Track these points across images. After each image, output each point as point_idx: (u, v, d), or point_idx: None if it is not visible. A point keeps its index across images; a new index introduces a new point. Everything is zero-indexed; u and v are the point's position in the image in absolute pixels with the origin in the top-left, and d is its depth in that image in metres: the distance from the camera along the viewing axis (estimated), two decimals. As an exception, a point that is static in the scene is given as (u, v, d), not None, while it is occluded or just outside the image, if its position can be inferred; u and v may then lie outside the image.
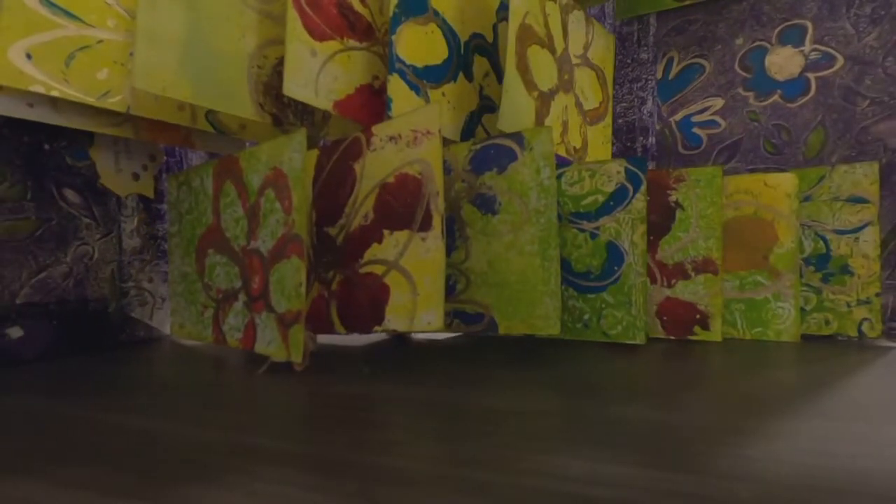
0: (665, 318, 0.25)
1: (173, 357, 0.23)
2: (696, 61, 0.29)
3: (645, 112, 0.30)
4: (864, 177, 0.25)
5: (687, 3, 0.28)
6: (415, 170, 0.19)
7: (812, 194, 0.26)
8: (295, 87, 0.19)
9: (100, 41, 0.20)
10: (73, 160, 0.22)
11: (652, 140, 0.30)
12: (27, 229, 0.20)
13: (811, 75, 0.26)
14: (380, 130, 0.21)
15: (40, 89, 0.19)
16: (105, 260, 0.23)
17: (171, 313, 0.26)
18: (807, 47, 0.26)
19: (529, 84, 0.23)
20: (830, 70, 0.25)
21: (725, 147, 0.28)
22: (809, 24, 0.26)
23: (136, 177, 0.25)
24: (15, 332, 0.20)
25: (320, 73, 0.20)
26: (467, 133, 0.24)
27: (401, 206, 0.19)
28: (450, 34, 0.23)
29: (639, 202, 0.23)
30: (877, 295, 0.24)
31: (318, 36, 0.20)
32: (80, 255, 0.22)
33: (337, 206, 0.22)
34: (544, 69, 0.24)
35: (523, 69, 0.22)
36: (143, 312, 0.25)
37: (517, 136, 0.21)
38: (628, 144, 0.30)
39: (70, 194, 0.22)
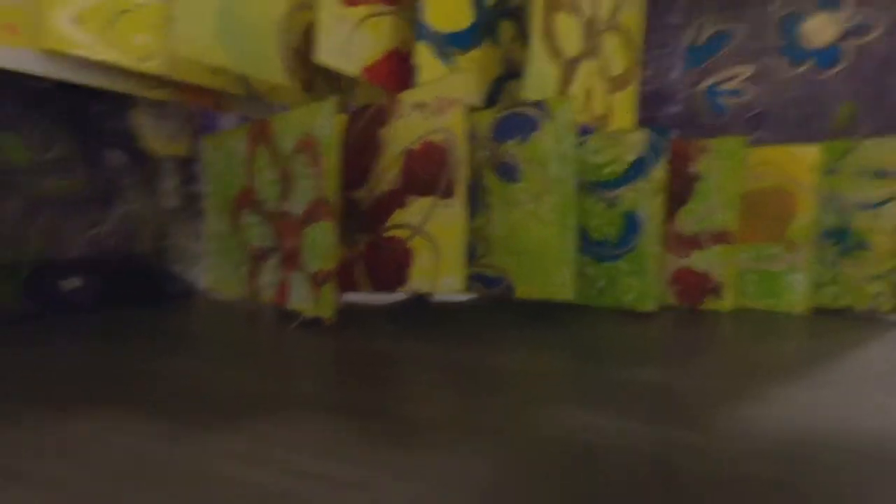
0: (679, 286, 0.26)
1: (210, 311, 0.25)
2: (727, 26, 0.28)
3: (672, 79, 0.30)
4: (892, 151, 0.24)
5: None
6: (439, 138, 0.20)
7: (837, 167, 0.25)
8: (326, 54, 0.19)
9: (139, 4, 0.21)
10: (115, 122, 0.23)
11: (677, 108, 0.30)
12: (78, 189, 0.22)
13: (847, 43, 0.25)
14: (406, 98, 0.21)
15: (86, 53, 0.20)
16: (146, 218, 0.25)
17: (207, 269, 0.28)
18: (845, 13, 0.25)
19: (554, 51, 0.23)
20: (868, 38, 0.25)
21: (752, 116, 0.28)
22: (850, -11, 0.25)
23: (173, 138, 0.26)
24: (71, 283, 0.21)
25: (350, 39, 0.20)
26: (492, 99, 0.25)
27: (425, 173, 0.20)
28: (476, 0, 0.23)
29: (659, 172, 0.23)
30: (892, 270, 0.25)
31: (348, 1, 0.20)
32: (125, 213, 0.24)
33: (363, 171, 0.23)
34: (571, 35, 0.24)
35: (550, 36, 0.22)
36: (182, 268, 0.27)
37: (540, 105, 0.22)
38: (654, 112, 0.30)
39: (114, 156, 0.23)
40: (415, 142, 0.21)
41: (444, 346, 0.19)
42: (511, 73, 0.25)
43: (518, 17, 0.25)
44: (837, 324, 0.25)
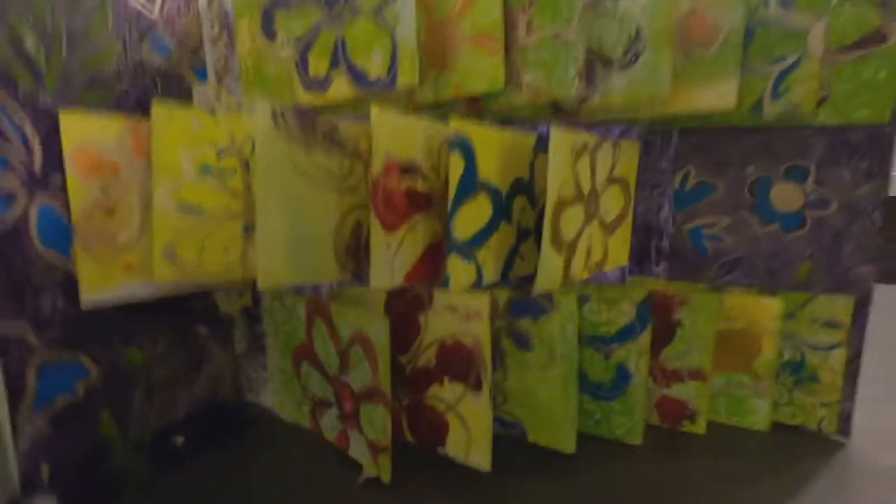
0: (662, 409, 0.32)
1: (283, 454, 0.30)
2: (710, 180, 0.32)
3: (661, 217, 0.34)
4: (840, 308, 0.29)
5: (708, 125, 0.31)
6: (469, 341, 0.25)
7: (796, 313, 0.30)
8: (378, 281, 0.24)
9: (220, 226, 0.26)
10: (199, 300, 0.29)
11: (665, 243, 0.34)
12: (178, 366, 0.27)
13: (809, 213, 0.30)
14: (439, 298, 0.26)
15: (184, 276, 0.25)
16: (226, 368, 0.30)
17: (272, 393, 0.33)
18: (808, 187, 0.29)
19: (560, 244, 0.27)
20: (825, 212, 0.29)
21: (728, 261, 0.32)
22: (812, 167, 0.29)
23: (241, 295, 0.31)
24: (178, 441, 0.27)
25: (394, 259, 0.25)
26: (507, 267, 0.30)
27: (457, 364, 0.26)
28: (495, 195, 0.27)
29: (644, 338, 0.28)
30: (836, 402, 0.30)
31: (391, 227, 0.25)
32: (210, 370, 0.29)
33: (406, 342, 0.28)
34: (573, 221, 0.28)
35: (557, 235, 0.27)
36: (252, 395, 0.33)
37: (549, 298, 0.27)
38: (644, 242, 0.35)
39: (201, 329, 0.29)
40: (448, 337, 0.26)
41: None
42: (522, 237, 0.30)
43: (527, 189, 0.30)
44: (785, 441, 0.30)
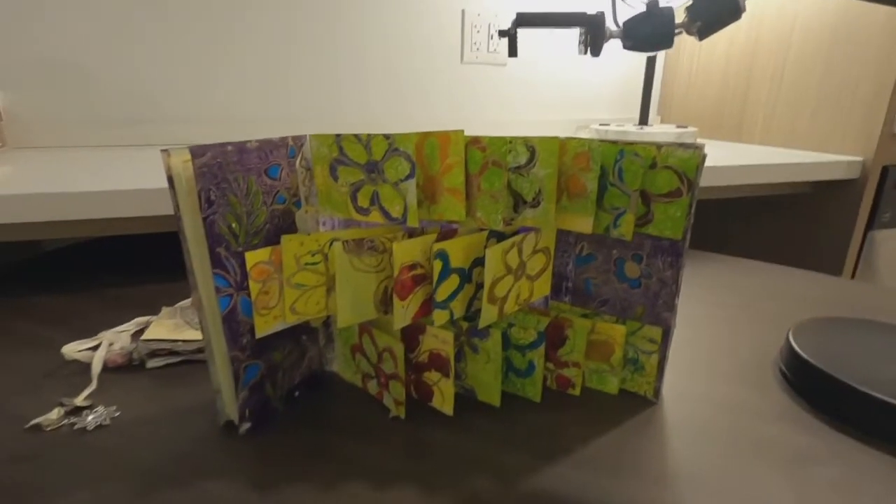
0: (557, 382, 0.56)
1: (347, 399, 0.56)
2: (594, 253, 0.54)
3: (568, 269, 0.56)
4: (656, 332, 0.52)
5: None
6: (443, 354, 0.49)
7: (635, 332, 0.53)
8: (397, 323, 0.48)
9: (315, 291, 0.49)
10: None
11: (570, 284, 0.57)
12: (294, 358, 0.53)
13: (642, 280, 0.52)
14: (429, 329, 0.50)
15: (300, 319, 0.49)
16: (315, 353, 0.56)
17: (338, 365, 0.59)
18: (642, 266, 0.51)
19: (493, 300, 0.50)
20: (650, 281, 0.51)
21: (602, 300, 0.55)
22: (644, 256, 0.51)
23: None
24: (296, 392, 0.53)
25: (406, 311, 0.49)
26: (469, 306, 0.53)
27: (438, 363, 0.50)
28: (461, 272, 0.50)
29: (541, 349, 0.52)
30: (653, 381, 0.54)
31: (403, 297, 0.48)
32: (309, 356, 0.55)
33: (413, 347, 0.52)
34: (504, 287, 0.51)
35: (492, 298, 0.50)
36: (329, 367, 0.58)
37: (488, 329, 0.50)
38: (558, 282, 0.57)
39: (304, 337, 0.53)
40: (433, 349, 0.50)
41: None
42: (478, 289, 0.53)
43: (482, 262, 0.52)
44: (630, 400, 0.55)
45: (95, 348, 0.62)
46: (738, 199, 1.56)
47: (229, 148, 0.42)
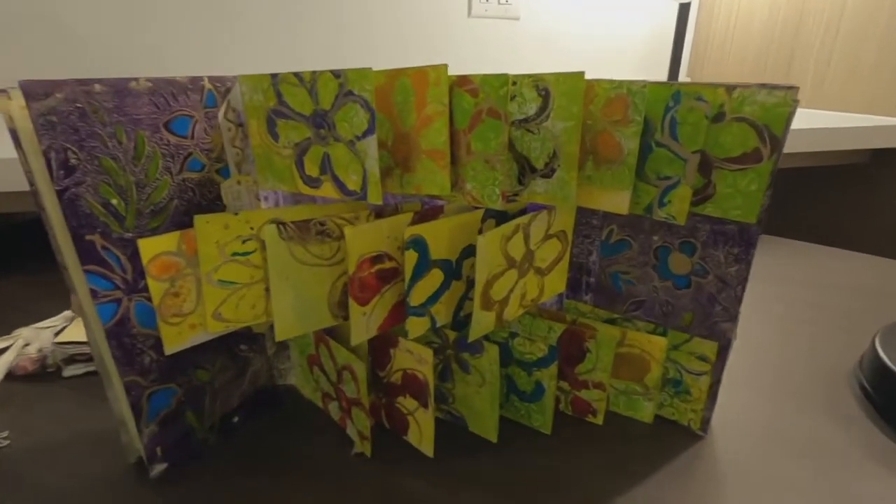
0: (573, 406, 0.43)
1: (305, 422, 0.44)
2: (628, 239, 0.40)
3: (591, 260, 0.43)
4: (709, 348, 0.39)
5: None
6: (420, 376, 0.36)
7: (679, 346, 0.40)
8: (355, 337, 0.35)
9: (249, 290, 0.37)
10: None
11: (593, 279, 0.43)
12: (230, 376, 0.40)
13: (693, 277, 0.38)
14: (402, 342, 0.37)
15: (228, 327, 0.36)
16: (263, 367, 0.43)
17: (295, 377, 0.47)
18: (694, 259, 0.37)
19: (489, 305, 0.37)
20: (705, 280, 0.37)
21: (636, 301, 0.41)
22: (699, 245, 0.37)
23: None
24: (234, 419, 0.41)
25: (369, 320, 0.36)
26: (458, 310, 0.40)
27: (413, 387, 0.37)
28: (446, 265, 0.37)
29: (553, 368, 0.39)
30: (701, 409, 0.41)
31: (364, 302, 0.35)
32: (253, 371, 0.42)
33: (382, 363, 0.39)
34: (504, 286, 0.38)
35: (487, 303, 0.36)
36: (282, 381, 0.46)
37: (481, 342, 0.37)
38: (577, 276, 0.44)
39: (244, 346, 0.41)
40: (408, 368, 0.37)
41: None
42: (470, 286, 0.39)
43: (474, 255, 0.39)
44: (668, 429, 0.42)
45: (5, 350, 0.51)
46: (780, 170, 1.39)
47: (97, 87, 0.28)
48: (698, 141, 0.31)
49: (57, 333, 0.54)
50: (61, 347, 0.50)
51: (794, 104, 0.31)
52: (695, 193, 0.34)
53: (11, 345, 0.51)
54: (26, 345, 0.52)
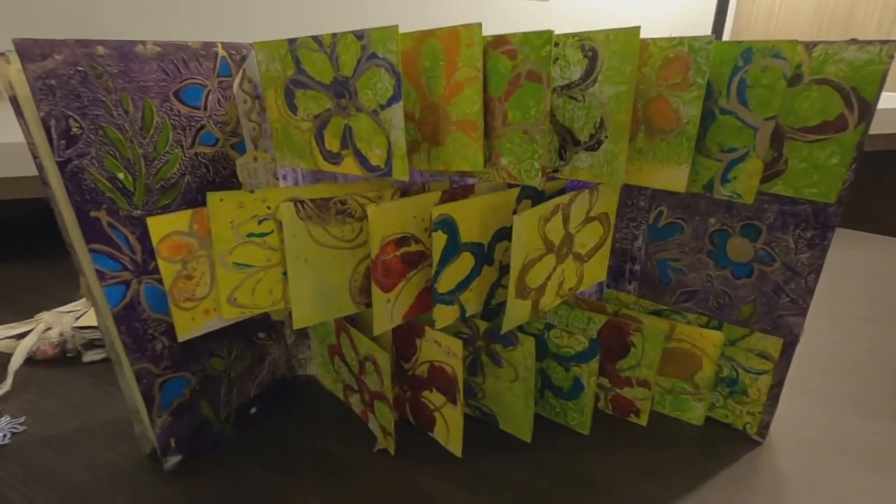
0: (614, 403, 0.40)
1: (325, 415, 0.42)
2: (679, 222, 0.36)
3: (636, 245, 0.39)
4: (771, 345, 0.34)
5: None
6: (448, 369, 0.33)
7: (736, 342, 0.36)
8: (378, 326, 0.32)
9: (265, 274, 0.34)
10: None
11: (638, 267, 0.39)
12: (254, 363, 0.38)
13: (756, 265, 0.34)
14: (429, 332, 0.34)
15: (244, 313, 0.34)
16: (289, 358, 0.41)
17: (316, 367, 0.44)
18: (758, 244, 0.33)
19: (525, 293, 0.34)
20: (770, 268, 0.33)
21: (686, 291, 0.37)
22: (764, 229, 0.33)
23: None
24: (252, 410, 0.39)
25: (393, 308, 0.33)
26: (490, 298, 0.37)
27: (440, 381, 0.34)
28: (477, 249, 0.34)
29: (594, 363, 0.35)
30: (759, 412, 0.37)
31: (388, 289, 0.32)
32: (271, 360, 0.40)
33: (407, 355, 0.37)
34: (541, 273, 0.34)
35: (522, 291, 0.33)
36: (302, 371, 0.44)
37: (514, 334, 0.34)
38: (620, 264, 0.40)
39: (261, 334, 0.39)
40: (434, 361, 0.34)
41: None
42: (504, 272, 0.36)
43: (510, 237, 0.35)
44: (721, 434, 0.38)
45: (27, 334, 0.50)
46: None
47: (100, 50, 0.26)
48: (773, 106, 0.27)
49: (78, 318, 0.53)
50: (81, 332, 0.49)
51: (890, 61, 0.26)
52: (763, 169, 0.30)
53: (33, 329, 0.50)
54: (48, 329, 0.51)
